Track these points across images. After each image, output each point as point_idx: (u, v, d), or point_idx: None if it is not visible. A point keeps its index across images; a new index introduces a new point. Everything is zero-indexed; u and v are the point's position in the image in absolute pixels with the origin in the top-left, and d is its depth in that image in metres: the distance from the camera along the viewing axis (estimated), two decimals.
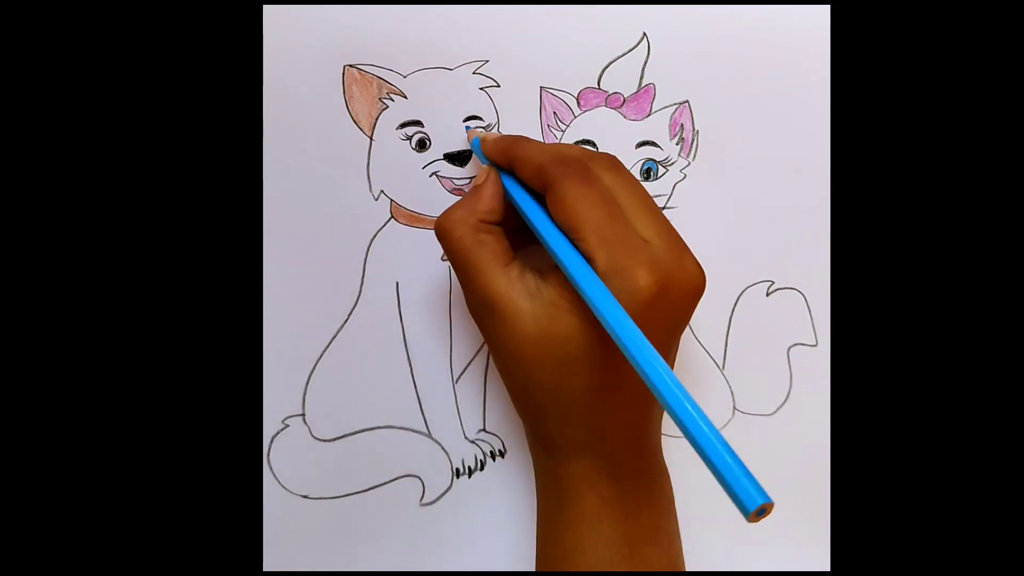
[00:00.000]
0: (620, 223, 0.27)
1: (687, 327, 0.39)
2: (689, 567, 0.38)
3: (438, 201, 0.35)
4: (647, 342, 0.24)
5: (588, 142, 0.37)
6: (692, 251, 0.29)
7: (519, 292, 0.29)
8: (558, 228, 0.28)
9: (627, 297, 0.26)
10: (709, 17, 0.36)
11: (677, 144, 0.37)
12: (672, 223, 0.29)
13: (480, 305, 0.30)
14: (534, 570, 0.33)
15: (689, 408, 0.23)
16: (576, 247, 0.28)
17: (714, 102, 0.37)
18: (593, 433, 0.30)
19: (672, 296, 0.27)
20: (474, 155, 0.35)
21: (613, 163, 0.30)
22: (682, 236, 0.29)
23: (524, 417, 0.32)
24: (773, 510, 0.21)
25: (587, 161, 0.29)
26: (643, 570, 0.29)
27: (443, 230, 0.30)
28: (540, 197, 0.30)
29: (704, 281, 0.29)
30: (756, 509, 0.21)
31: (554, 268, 0.29)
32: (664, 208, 0.38)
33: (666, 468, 0.33)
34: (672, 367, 0.33)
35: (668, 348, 0.30)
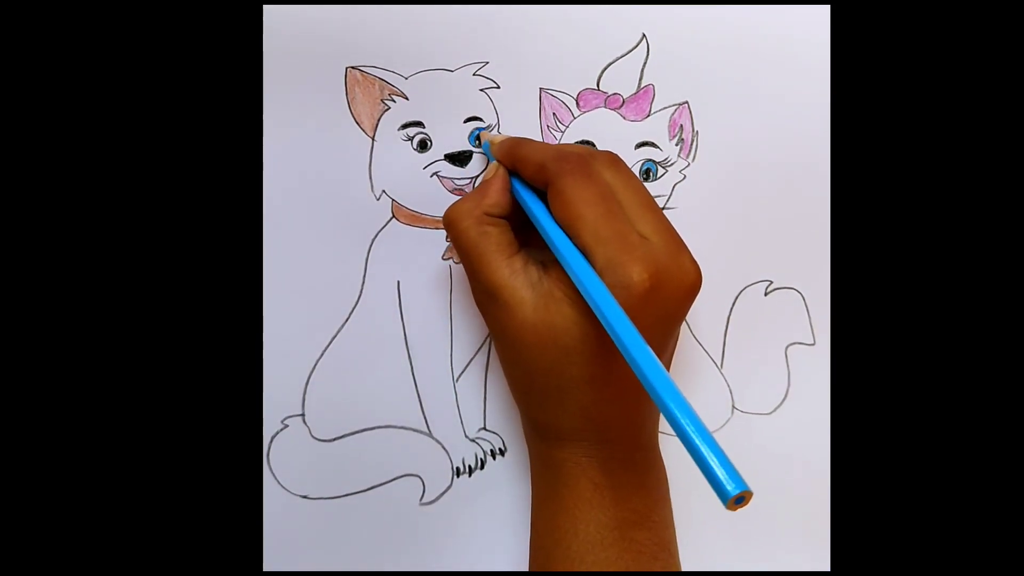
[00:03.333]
0: (617, 220, 0.28)
1: (686, 326, 0.40)
2: (689, 567, 0.38)
3: (439, 201, 0.35)
4: (637, 332, 0.25)
5: (587, 143, 0.37)
6: (690, 250, 0.29)
7: (521, 282, 0.30)
8: (559, 225, 0.29)
9: (622, 292, 0.27)
10: (709, 17, 0.36)
11: (676, 145, 0.37)
12: (671, 223, 0.30)
13: (484, 293, 0.31)
14: (531, 563, 0.33)
15: (673, 396, 0.23)
16: (574, 243, 0.28)
17: (714, 102, 0.37)
18: (588, 421, 0.30)
19: (667, 292, 0.28)
20: (484, 156, 0.36)
21: (613, 160, 0.31)
22: (681, 235, 0.29)
23: (521, 404, 0.33)
24: (752, 499, 0.22)
25: (587, 158, 0.30)
26: (633, 553, 0.30)
27: (450, 220, 0.31)
28: (543, 194, 0.30)
29: (700, 279, 0.29)
30: (735, 497, 0.21)
31: (555, 261, 0.29)
32: (663, 208, 0.38)
33: (661, 460, 0.34)
34: (670, 362, 0.33)
35: (664, 343, 0.30)
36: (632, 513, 0.31)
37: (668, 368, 0.33)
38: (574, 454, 0.31)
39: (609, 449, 0.31)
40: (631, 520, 0.31)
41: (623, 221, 0.28)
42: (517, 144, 0.32)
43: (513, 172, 0.32)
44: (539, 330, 0.29)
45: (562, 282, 0.29)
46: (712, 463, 0.22)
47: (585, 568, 0.30)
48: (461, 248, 0.31)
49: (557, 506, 0.31)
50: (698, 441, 0.22)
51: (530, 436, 0.34)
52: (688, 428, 0.23)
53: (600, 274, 0.27)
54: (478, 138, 0.36)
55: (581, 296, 0.28)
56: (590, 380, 0.29)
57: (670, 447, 0.34)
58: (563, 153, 0.30)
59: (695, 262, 0.29)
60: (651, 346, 0.25)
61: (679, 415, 0.23)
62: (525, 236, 0.32)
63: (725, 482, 0.21)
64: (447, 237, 0.36)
